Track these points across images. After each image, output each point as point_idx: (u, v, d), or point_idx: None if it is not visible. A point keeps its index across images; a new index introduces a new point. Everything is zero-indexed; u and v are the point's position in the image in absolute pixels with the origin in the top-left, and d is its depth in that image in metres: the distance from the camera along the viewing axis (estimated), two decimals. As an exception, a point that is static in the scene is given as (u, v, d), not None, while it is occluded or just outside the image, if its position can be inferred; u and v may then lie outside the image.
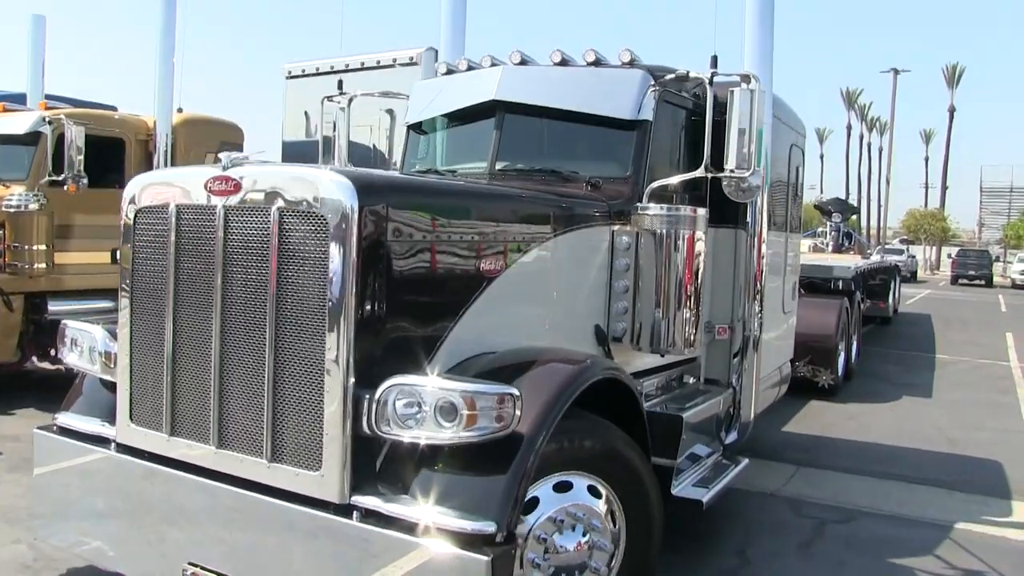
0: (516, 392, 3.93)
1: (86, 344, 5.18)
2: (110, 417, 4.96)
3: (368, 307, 4.07)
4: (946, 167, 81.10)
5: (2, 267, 9.72)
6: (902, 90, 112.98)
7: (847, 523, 7.17)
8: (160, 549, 4.49)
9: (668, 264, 5.82)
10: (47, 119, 9.93)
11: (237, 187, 4.30)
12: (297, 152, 16.34)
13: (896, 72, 73.86)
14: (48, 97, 11.91)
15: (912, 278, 49.68)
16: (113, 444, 4.86)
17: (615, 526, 4.61)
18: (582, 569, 4.43)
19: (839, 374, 12.72)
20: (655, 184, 6.02)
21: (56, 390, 10.33)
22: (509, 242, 5.04)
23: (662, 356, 6.09)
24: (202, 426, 4.46)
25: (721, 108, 5.85)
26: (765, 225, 7.27)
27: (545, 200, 5.53)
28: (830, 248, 26.95)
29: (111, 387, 5.01)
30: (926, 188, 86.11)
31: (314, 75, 15.92)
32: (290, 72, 16.30)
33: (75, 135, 9.57)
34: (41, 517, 5.19)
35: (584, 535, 4.43)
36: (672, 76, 6.20)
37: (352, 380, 3.99)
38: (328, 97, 7.71)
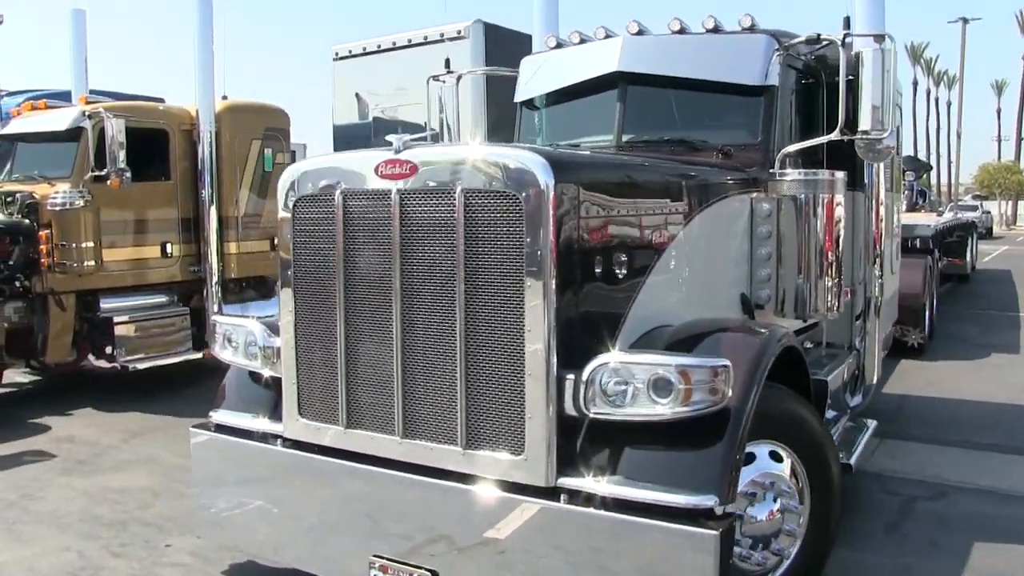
0: (728, 364, 3.85)
1: (242, 340, 5.12)
2: (268, 412, 4.97)
3: (565, 286, 3.99)
4: (1021, 117, 78.09)
5: (51, 267, 9.58)
6: (971, 40, 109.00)
7: (938, 500, 6.73)
8: (341, 542, 4.48)
9: (809, 229, 5.86)
10: (87, 114, 9.74)
11: (413, 169, 4.21)
12: (349, 135, 16.13)
13: (965, 21, 71.30)
14: (92, 92, 11.71)
15: (988, 234, 47.90)
16: (279, 440, 4.82)
17: (799, 484, 4.61)
18: (776, 535, 4.51)
19: (926, 333, 12.65)
20: (787, 149, 6.00)
21: (112, 389, 10.45)
22: (675, 214, 5.01)
23: (804, 322, 6.10)
24: (384, 417, 4.39)
25: (851, 70, 5.74)
26: (883, 187, 7.19)
27: (703, 172, 5.52)
28: (904, 207, 26.09)
29: (265, 382, 5.06)
30: (999, 141, 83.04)
31: (362, 55, 15.63)
32: (337, 54, 16.01)
33: (115, 128, 9.35)
34: (204, 516, 5.16)
35: (775, 501, 4.48)
36: (802, 39, 6.16)
37: (555, 360, 3.92)
38: (434, 76, 7.51)
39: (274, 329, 4.95)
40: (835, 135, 5.82)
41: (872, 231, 7.07)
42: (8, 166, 10.84)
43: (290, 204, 4.66)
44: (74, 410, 9.69)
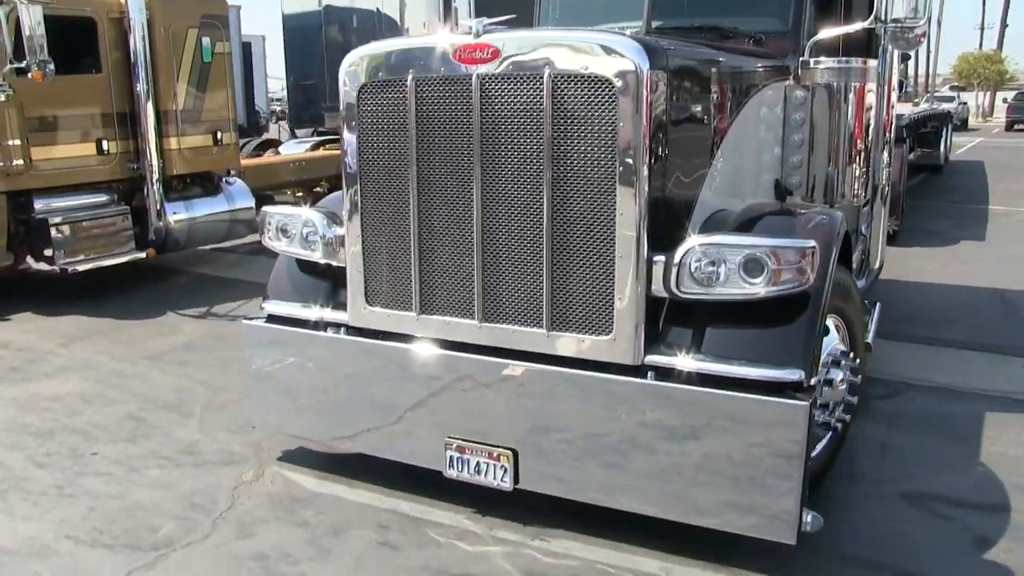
0: (815, 245, 3.99)
1: (299, 230, 5.10)
2: (324, 301, 5.06)
3: (654, 171, 4.07)
4: (1007, 3, 76.56)
5: None
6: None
7: (892, 398, 6.62)
8: (413, 426, 4.65)
9: (840, 117, 6.01)
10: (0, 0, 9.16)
11: (495, 54, 4.15)
12: (298, 24, 15.59)
13: None
14: (15, -20, 11.08)
15: (963, 126, 47.44)
16: (342, 328, 4.91)
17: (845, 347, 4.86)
18: (838, 403, 4.71)
19: (900, 221, 12.78)
20: (818, 37, 6.01)
21: (54, 293, 10.17)
22: (732, 102, 5.12)
23: (832, 207, 6.07)
24: (461, 302, 4.48)
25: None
26: (895, 76, 7.24)
27: (750, 60, 5.65)
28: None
29: (321, 271, 5.09)
30: (982, 29, 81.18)
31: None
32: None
33: (32, 17, 8.78)
34: (259, 407, 5.35)
35: (839, 371, 4.63)
36: None
37: (645, 243, 4.03)
38: None
39: (334, 219, 4.97)
40: (869, 22, 5.84)
41: (884, 119, 6.96)
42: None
43: (354, 91, 4.61)
44: (12, 315, 9.42)
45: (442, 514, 4.82)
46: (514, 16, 5.59)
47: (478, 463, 4.46)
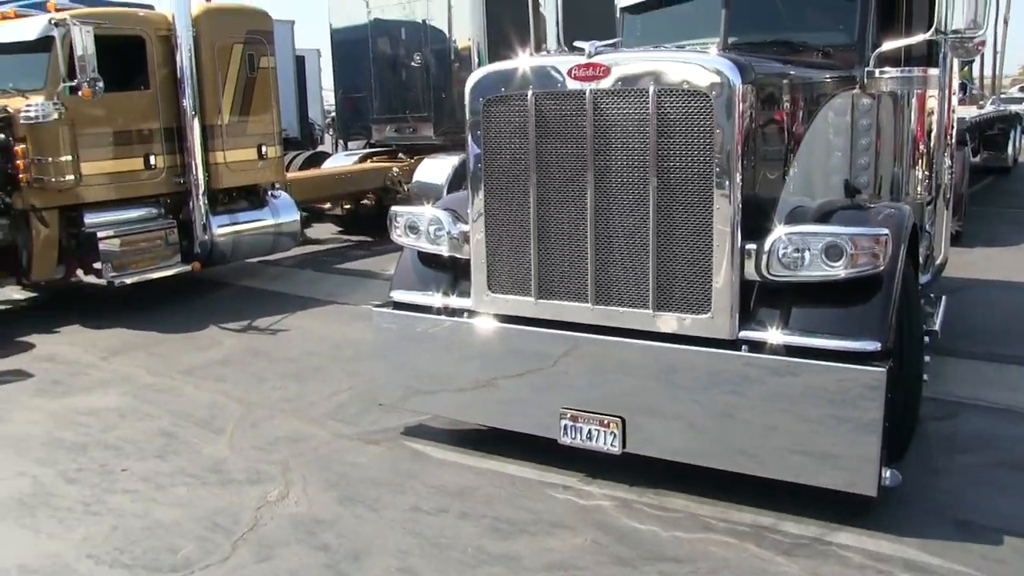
0: (888, 233, 4.55)
1: (426, 227, 5.76)
2: (445, 289, 5.74)
3: (747, 170, 4.71)
4: (1080, 0, 74.12)
5: (29, 182, 9.38)
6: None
7: (947, 420, 6.26)
8: (531, 399, 5.29)
9: (904, 122, 6.63)
10: (55, 22, 9.34)
11: (606, 72, 4.82)
12: (346, 38, 15.70)
13: None
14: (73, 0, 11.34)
15: (1035, 127, 45.74)
16: (464, 312, 5.57)
17: None
18: None
19: (963, 222, 12.83)
20: (882, 49, 6.39)
21: (101, 305, 10.37)
22: (807, 111, 5.67)
23: None
24: (575, 287, 5.13)
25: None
26: (955, 81, 7.75)
27: (821, 73, 6.14)
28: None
29: (443, 263, 5.78)
30: (1052, 28, 79.16)
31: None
32: (332, -48, 15.47)
33: (84, 37, 8.99)
34: (386, 385, 6.01)
35: None
36: None
37: (739, 234, 4.66)
38: None
39: (458, 217, 5.65)
40: (930, 34, 6.08)
41: (945, 121, 7.30)
42: (-17, 79, 10.58)
43: (479, 104, 5.26)
44: (61, 327, 9.61)
45: (557, 477, 5.39)
46: (619, 40, 6.40)
47: (590, 430, 5.09)
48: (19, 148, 9.36)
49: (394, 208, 6.05)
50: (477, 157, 5.37)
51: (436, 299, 5.75)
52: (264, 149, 11.26)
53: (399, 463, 5.72)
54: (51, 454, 6.10)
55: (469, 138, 5.39)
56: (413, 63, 14.73)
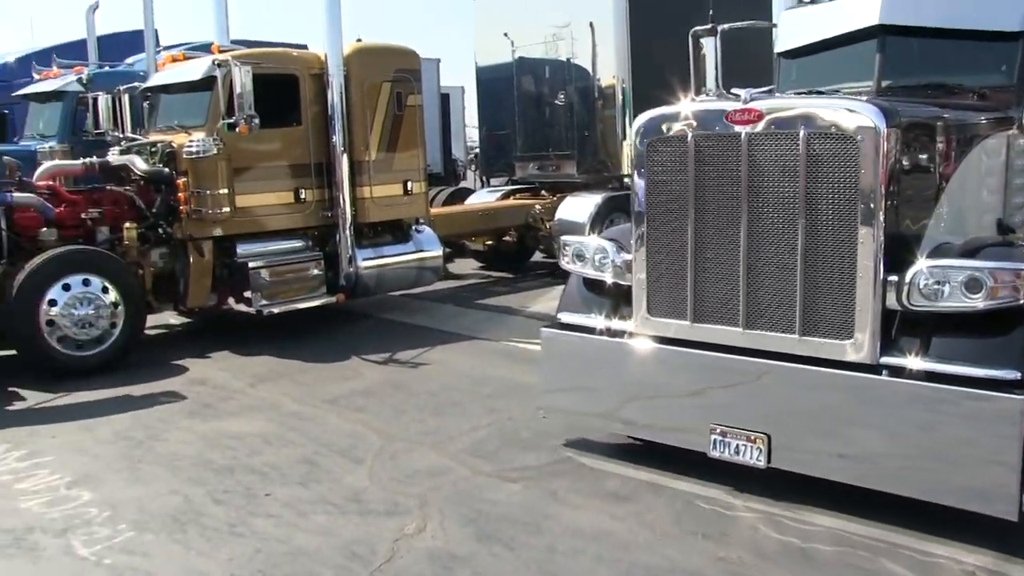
0: None
1: (592, 255, 6.22)
2: (607, 312, 6.17)
3: (891, 208, 5.02)
4: None
5: (189, 213, 9.84)
6: None
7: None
8: (684, 414, 5.67)
9: None
10: (218, 63, 9.81)
11: (760, 116, 5.23)
12: (492, 76, 15.93)
13: None
14: (234, 42, 11.91)
15: None
16: (626, 334, 6.00)
17: None
18: None
19: None
20: None
21: (250, 332, 10.73)
22: (957, 151, 5.86)
23: None
24: (728, 312, 5.51)
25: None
26: None
27: (973, 114, 6.26)
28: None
29: (608, 289, 6.19)
30: None
31: (506, -8, 15.32)
32: (479, -8, 15.76)
33: (242, 76, 9.41)
34: (551, 399, 6.49)
35: None
36: None
37: (881, 266, 4.95)
38: (697, 32, 7.74)
39: (621, 247, 6.09)
40: None
41: None
42: (153, 117, 11.21)
43: (643, 145, 5.74)
44: (212, 353, 9.99)
45: (704, 489, 5.69)
46: (773, 87, 7.01)
47: (737, 445, 5.39)
48: (181, 181, 9.86)
49: (563, 237, 6.57)
50: (640, 192, 5.82)
51: (599, 321, 6.17)
52: (409, 185, 11.47)
53: (536, 503, 5.65)
54: (201, 474, 6.30)
55: (634, 175, 5.91)
56: (557, 101, 14.80)
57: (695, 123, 5.51)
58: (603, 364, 6.07)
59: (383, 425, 7.27)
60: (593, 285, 6.33)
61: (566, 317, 6.36)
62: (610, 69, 14.16)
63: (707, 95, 6.87)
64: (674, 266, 5.72)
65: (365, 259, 11.04)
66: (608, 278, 6.15)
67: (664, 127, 5.68)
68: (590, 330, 6.19)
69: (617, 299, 6.17)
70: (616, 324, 6.09)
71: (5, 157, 9.97)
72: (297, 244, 10.72)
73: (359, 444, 6.83)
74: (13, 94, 15.47)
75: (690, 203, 5.55)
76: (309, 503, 5.74)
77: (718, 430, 5.45)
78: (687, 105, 5.82)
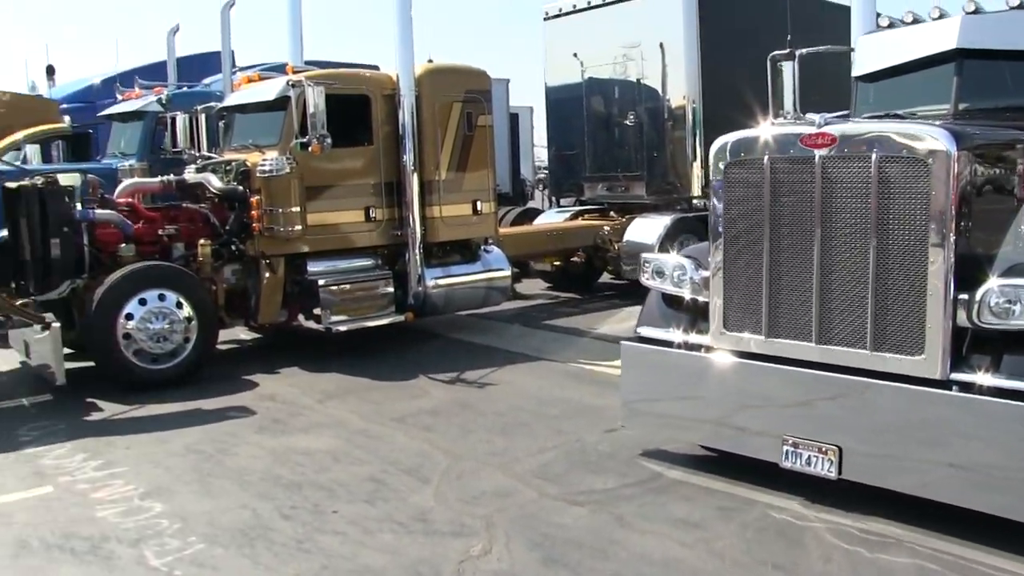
0: None
1: (671, 272, 6.49)
2: (684, 327, 6.41)
3: (962, 229, 5.14)
4: None
5: (261, 231, 9.99)
6: None
7: None
8: (757, 425, 5.85)
9: None
10: (292, 83, 9.99)
11: (833, 140, 5.44)
12: (561, 97, 15.94)
13: None
14: (308, 63, 12.10)
15: None
16: (702, 348, 6.22)
17: None
18: None
19: None
20: None
21: (319, 349, 10.84)
22: None
23: None
24: (801, 328, 5.70)
25: None
26: None
27: None
28: None
29: (686, 305, 6.45)
30: None
31: (572, 13, 15.37)
32: (548, 13, 15.83)
33: (315, 96, 9.54)
34: (630, 409, 6.70)
35: None
36: None
37: (952, 285, 5.07)
38: (775, 56, 7.75)
39: (699, 264, 6.33)
40: None
41: None
42: (229, 136, 11.43)
43: (721, 167, 6.01)
44: (282, 368, 10.11)
45: (775, 499, 5.84)
46: (847, 112, 7.11)
47: (809, 456, 5.55)
48: (254, 199, 10.03)
49: (644, 255, 6.89)
50: (717, 212, 6.08)
51: (677, 335, 6.40)
52: (479, 205, 11.50)
53: (603, 527, 5.58)
54: (269, 490, 6.35)
55: (711, 196, 6.20)
56: (626, 121, 14.74)
57: (771, 147, 5.74)
58: (680, 376, 6.32)
59: (450, 445, 7.26)
60: (672, 300, 6.59)
61: (646, 331, 6.60)
62: (680, 89, 14.08)
63: (784, 118, 6.96)
64: (750, 283, 5.94)
65: (434, 278, 11.09)
66: (686, 294, 6.40)
67: (741, 150, 5.92)
68: (668, 344, 6.42)
69: (695, 314, 6.41)
70: (693, 338, 6.31)
71: (88, 175, 10.25)
72: (367, 262, 10.81)
73: (426, 463, 6.82)
74: (97, 114, 15.93)
75: (766, 223, 5.77)
76: (376, 521, 5.75)
77: (790, 441, 5.62)
78: (764, 129, 6.02)
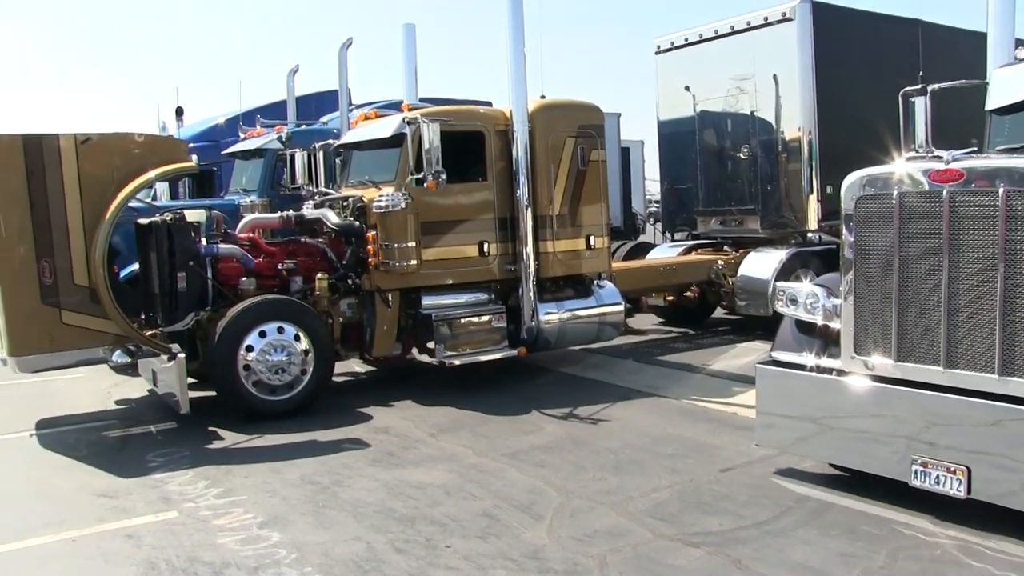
0: None
1: (804, 299, 6.88)
2: (816, 351, 6.76)
3: None
4: None
5: (377, 265, 10.15)
6: None
7: None
8: (887, 445, 6.11)
9: None
10: (407, 120, 10.16)
11: (960, 175, 5.70)
12: (673, 130, 15.81)
13: None
14: (422, 100, 12.30)
15: None
16: (833, 371, 6.57)
17: None
18: None
19: None
20: None
21: (432, 383, 10.91)
22: None
23: None
24: (929, 353, 5.95)
25: None
26: None
27: None
28: None
29: (819, 331, 6.81)
30: None
31: (684, 46, 15.27)
32: (659, 47, 15.76)
33: (431, 133, 9.68)
34: (764, 427, 7.00)
35: None
36: None
37: None
38: (907, 92, 7.60)
39: (830, 292, 6.73)
40: None
41: None
42: (346, 172, 11.69)
43: (850, 203, 6.35)
44: (396, 401, 10.20)
45: (906, 516, 6.08)
46: (975, 148, 7.09)
47: (938, 476, 5.76)
48: (370, 234, 10.20)
49: (778, 283, 7.56)
50: (849, 244, 6.39)
51: (809, 358, 6.76)
52: (592, 240, 11.45)
53: (719, 570, 5.42)
54: (383, 522, 6.38)
55: (843, 228, 6.49)
56: (739, 155, 14.52)
57: (901, 183, 6.05)
58: (812, 397, 6.62)
59: (563, 481, 7.17)
60: (804, 326, 6.94)
61: (780, 355, 6.97)
62: (795, 121, 13.78)
63: (916, 152, 6.94)
64: (879, 310, 6.26)
65: (547, 313, 11.05)
66: (818, 320, 6.77)
67: (872, 185, 6.26)
68: (801, 367, 6.77)
69: (826, 339, 6.76)
70: (825, 361, 6.66)
71: (213, 211, 10.61)
72: (480, 297, 10.87)
73: (539, 500, 6.75)
74: (221, 152, 16.53)
75: (895, 254, 6.07)
76: (488, 557, 5.70)
77: (919, 461, 5.85)
78: (895, 166, 6.29)
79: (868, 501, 6.34)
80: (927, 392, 5.90)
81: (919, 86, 7.48)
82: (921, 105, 7.35)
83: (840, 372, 6.52)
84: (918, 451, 5.88)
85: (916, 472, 5.87)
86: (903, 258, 6.04)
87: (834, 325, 6.64)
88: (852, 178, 6.39)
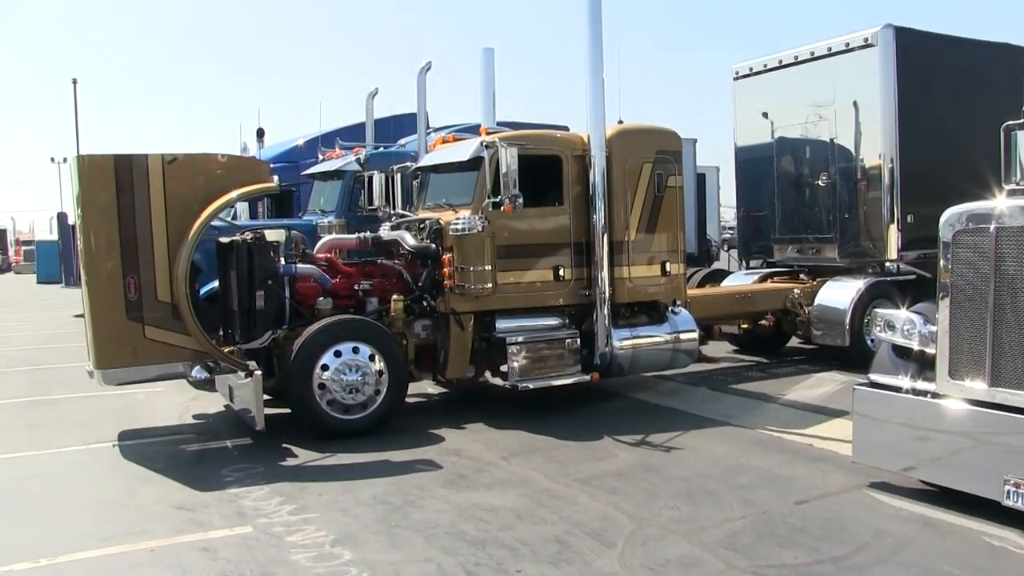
0: None
1: (901, 325, 7.25)
2: (912, 375, 7.09)
3: None
4: None
5: (452, 288, 10.20)
6: None
7: None
8: (981, 465, 6.43)
9: None
10: (485, 144, 10.24)
11: None
12: (751, 156, 15.64)
13: None
14: (499, 124, 12.38)
15: None
16: (928, 394, 6.90)
17: None
18: None
19: None
20: None
21: (504, 406, 10.90)
22: None
23: None
24: (1022, 379, 6.27)
25: None
26: None
27: None
28: None
29: (915, 355, 7.16)
30: None
31: (763, 72, 15.14)
32: (737, 72, 15.65)
33: (508, 157, 9.72)
34: (861, 446, 7.41)
35: None
36: None
37: None
38: (1009, 126, 7.80)
39: (926, 319, 7.11)
40: None
41: None
42: (423, 195, 11.81)
43: (948, 236, 6.74)
44: (468, 424, 10.22)
45: (996, 530, 6.36)
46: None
47: None
48: (446, 257, 10.27)
49: (877, 310, 7.85)
50: (944, 275, 6.77)
51: (905, 381, 7.10)
52: (667, 266, 11.37)
53: (799, 605, 5.26)
54: (454, 544, 6.37)
55: (940, 259, 6.82)
56: (818, 182, 14.29)
57: (999, 218, 6.38)
58: (908, 418, 6.96)
59: (635, 509, 7.09)
60: (901, 351, 7.28)
61: (877, 377, 7.34)
62: (875, 149, 13.54)
63: (1017, 186, 7.26)
64: (974, 337, 6.58)
65: (621, 339, 10.98)
66: (915, 345, 7.13)
67: (971, 220, 6.61)
68: (897, 389, 7.10)
69: (922, 363, 7.08)
70: (920, 384, 6.99)
71: (292, 231, 10.80)
72: (554, 321, 10.85)
73: (610, 527, 6.68)
74: (301, 173, 16.85)
75: (990, 284, 6.42)
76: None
77: (1012, 481, 6.13)
78: (995, 202, 6.61)
79: (958, 514, 6.63)
80: (1021, 416, 6.17)
81: (1021, 120, 7.46)
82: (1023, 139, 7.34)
83: (935, 395, 6.82)
84: (1011, 471, 6.14)
85: (1009, 492, 6.15)
86: (998, 288, 6.36)
87: (929, 350, 6.96)
88: (951, 212, 6.72)
